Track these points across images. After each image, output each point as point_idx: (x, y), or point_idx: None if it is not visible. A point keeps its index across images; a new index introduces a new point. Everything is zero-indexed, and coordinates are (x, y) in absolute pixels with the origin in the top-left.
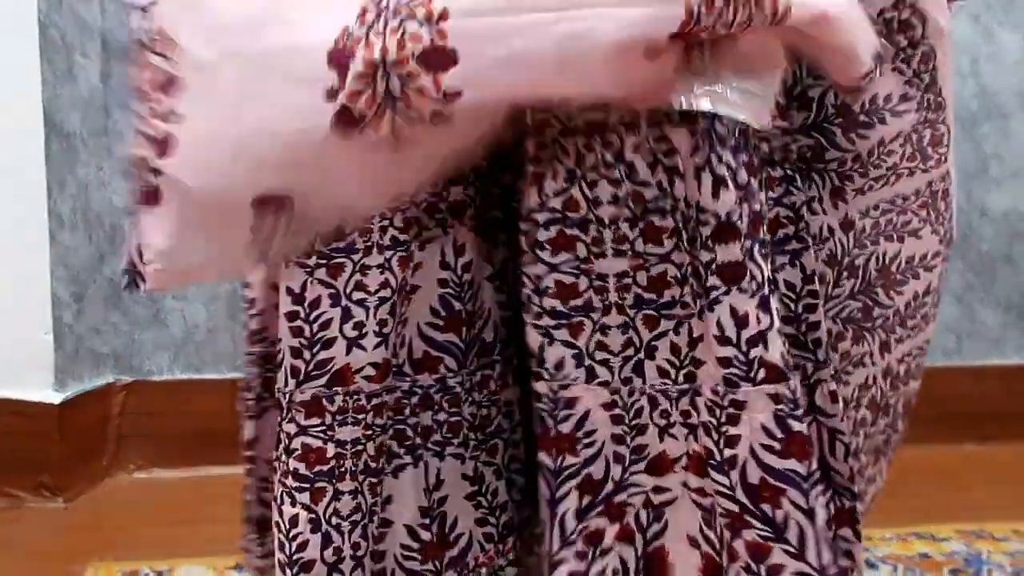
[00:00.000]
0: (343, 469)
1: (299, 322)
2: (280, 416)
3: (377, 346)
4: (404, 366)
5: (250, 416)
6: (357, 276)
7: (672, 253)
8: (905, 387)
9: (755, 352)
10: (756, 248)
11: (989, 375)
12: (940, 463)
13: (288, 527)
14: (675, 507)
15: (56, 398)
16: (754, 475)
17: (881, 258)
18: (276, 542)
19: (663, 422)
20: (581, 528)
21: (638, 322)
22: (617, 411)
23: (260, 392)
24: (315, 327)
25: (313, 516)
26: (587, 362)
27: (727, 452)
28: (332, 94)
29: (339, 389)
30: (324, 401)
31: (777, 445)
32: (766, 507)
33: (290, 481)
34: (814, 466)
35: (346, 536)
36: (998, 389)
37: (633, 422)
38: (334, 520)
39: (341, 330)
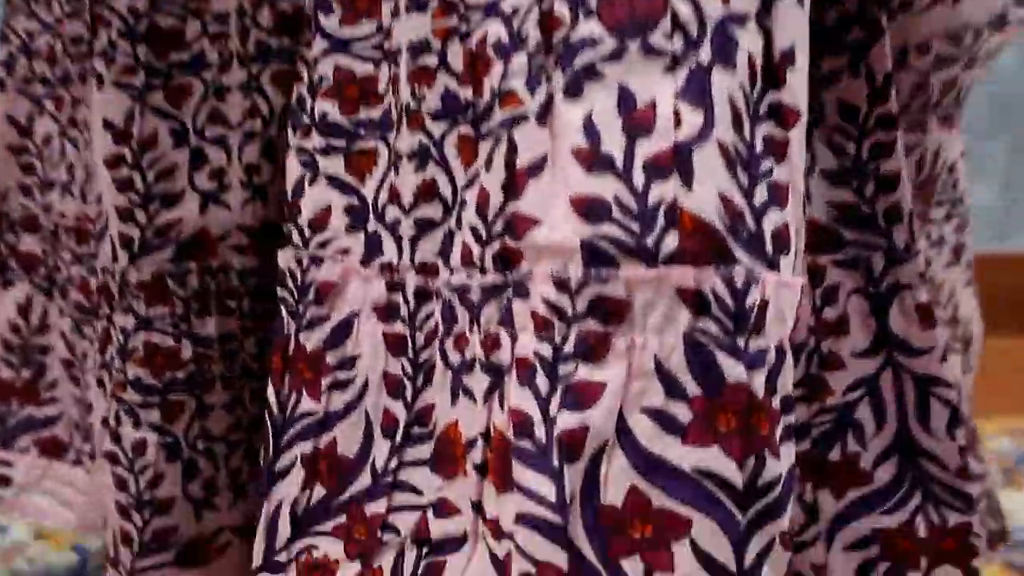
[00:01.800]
0: (210, 375)
1: (126, 170)
2: (108, 306)
3: (248, 202)
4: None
5: None
6: (212, 102)
7: None
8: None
9: (662, 191)
10: None
11: None
12: (984, 357)
13: (131, 456)
14: (460, 557)
15: None
16: (620, 483)
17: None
18: (112, 478)
19: (457, 359)
20: (298, 551)
21: (432, 130)
22: (398, 327)
23: None
24: (152, 176)
25: (169, 440)
26: (371, 224)
27: (567, 421)
28: None
29: (193, 265)
30: (172, 282)
31: (683, 415)
32: (631, 566)
33: (130, 395)
34: (774, 469)
35: (221, 462)
36: None
37: (422, 356)
38: (200, 444)
39: (192, 180)
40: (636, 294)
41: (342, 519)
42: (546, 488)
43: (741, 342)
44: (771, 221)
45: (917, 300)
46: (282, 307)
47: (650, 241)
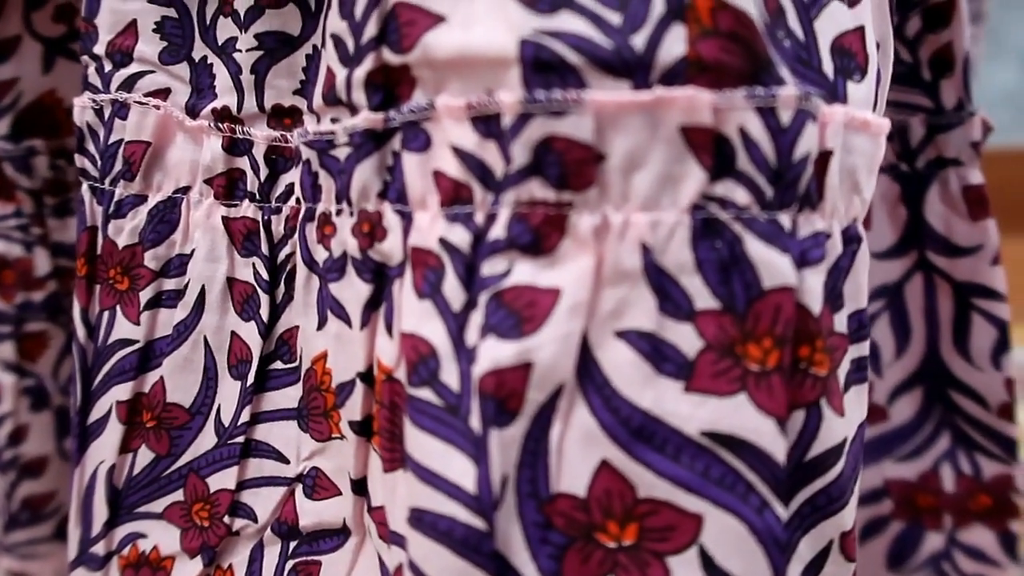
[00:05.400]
0: None
1: None
2: None
3: None
4: None
5: None
6: None
7: None
8: None
9: None
10: None
11: None
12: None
13: None
14: (340, 558)
15: None
16: (583, 458)
17: None
18: None
19: (323, 256)
20: (120, 541)
21: None
22: (245, 210)
23: None
24: None
25: (30, 383)
26: (196, 45)
27: (494, 354)
28: None
29: (40, 144)
30: (12, 168)
31: (689, 343)
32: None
33: None
34: (836, 432)
35: None
36: None
37: (281, 252)
38: None
39: (29, 22)
40: (613, 136)
41: (177, 496)
42: (459, 467)
43: (787, 220)
44: (832, 22)
45: (966, 181)
46: (83, 184)
47: (639, 42)
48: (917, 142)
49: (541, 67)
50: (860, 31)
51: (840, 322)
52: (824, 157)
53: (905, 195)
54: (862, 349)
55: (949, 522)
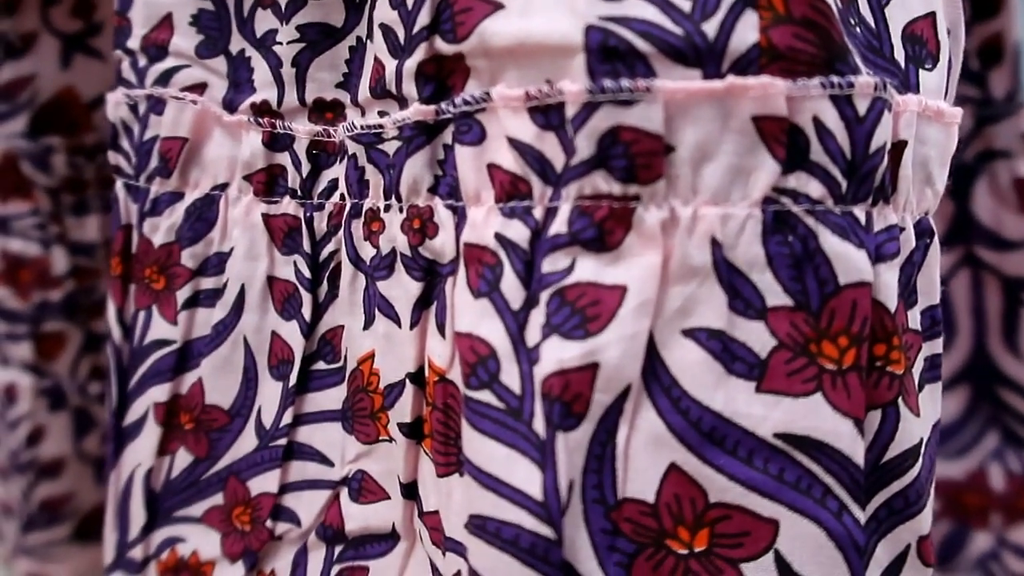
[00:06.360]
0: (97, 296)
1: None
2: None
3: None
4: None
5: None
6: None
7: None
8: None
9: None
10: None
11: None
12: None
13: (1, 405)
14: (388, 564)
15: None
16: (652, 462)
17: None
18: None
19: (369, 253)
20: (158, 545)
21: None
22: (286, 207)
23: None
24: None
25: (48, 384)
26: (234, 39)
27: (558, 355)
28: None
29: (57, 141)
30: (30, 166)
31: (760, 342)
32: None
33: None
34: (912, 432)
35: None
36: None
37: (324, 250)
38: (93, 388)
39: (47, 18)
40: (683, 126)
41: (216, 499)
42: (523, 473)
43: (861, 214)
44: (903, 8)
45: (1016, 173)
46: (117, 181)
47: (710, 29)
48: (965, 134)
49: (608, 55)
50: (931, 17)
51: (914, 319)
52: (898, 148)
53: (952, 188)
54: (935, 346)
55: (997, 521)
